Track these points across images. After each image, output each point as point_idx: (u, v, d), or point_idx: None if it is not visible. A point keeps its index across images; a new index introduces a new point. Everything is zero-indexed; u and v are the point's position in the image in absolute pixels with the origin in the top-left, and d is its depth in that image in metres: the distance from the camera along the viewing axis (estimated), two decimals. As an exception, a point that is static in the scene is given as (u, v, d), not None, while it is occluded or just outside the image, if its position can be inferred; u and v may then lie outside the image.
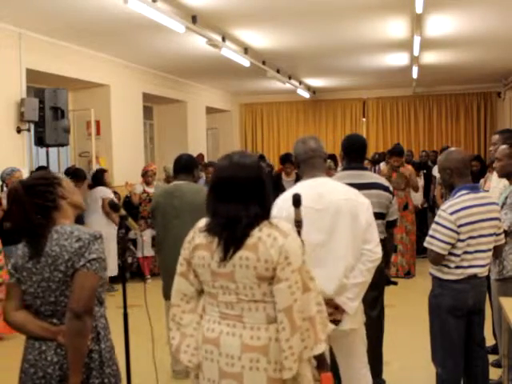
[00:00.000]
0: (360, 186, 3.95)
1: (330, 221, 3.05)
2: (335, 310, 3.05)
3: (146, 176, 8.48)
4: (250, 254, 2.15)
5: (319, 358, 2.27)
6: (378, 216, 3.98)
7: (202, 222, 2.32)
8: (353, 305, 3.08)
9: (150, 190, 8.35)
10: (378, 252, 3.11)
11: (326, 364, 2.33)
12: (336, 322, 3.01)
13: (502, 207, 3.92)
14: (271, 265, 2.14)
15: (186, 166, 4.63)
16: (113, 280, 7.35)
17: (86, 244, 2.31)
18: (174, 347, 2.35)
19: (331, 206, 3.07)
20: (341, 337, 3.13)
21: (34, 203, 2.34)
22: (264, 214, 2.23)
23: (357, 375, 3.30)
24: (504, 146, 4.14)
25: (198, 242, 2.27)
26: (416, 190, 8.25)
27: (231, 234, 2.18)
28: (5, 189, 6.26)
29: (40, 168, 7.77)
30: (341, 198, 3.10)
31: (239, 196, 2.21)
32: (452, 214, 3.33)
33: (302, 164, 3.24)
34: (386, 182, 4.17)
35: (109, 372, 2.42)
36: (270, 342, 2.17)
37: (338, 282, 3.04)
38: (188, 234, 2.34)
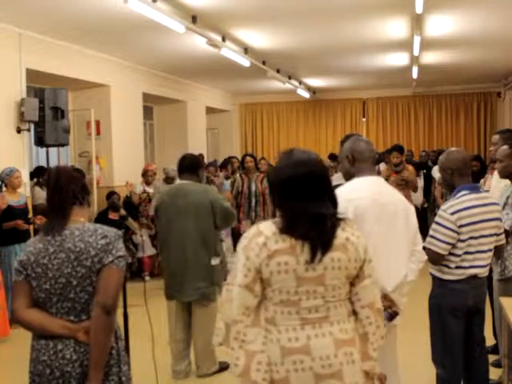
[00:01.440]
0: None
1: (389, 217, 3.08)
2: (392, 304, 3.09)
3: (146, 176, 8.49)
4: (341, 255, 2.13)
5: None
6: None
7: (267, 226, 2.16)
8: (403, 301, 3.19)
9: (150, 189, 8.37)
10: (425, 254, 3.24)
11: None
12: (395, 314, 3.06)
13: (503, 207, 3.92)
14: (359, 263, 2.17)
15: (190, 165, 4.63)
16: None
17: (113, 241, 2.35)
18: (241, 368, 2.14)
19: (391, 204, 3.09)
20: (388, 332, 3.16)
21: (75, 185, 2.44)
22: (337, 212, 2.21)
23: (395, 370, 3.33)
24: (504, 147, 4.13)
25: (276, 247, 2.09)
26: (415, 190, 8.25)
27: (320, 235, 2.10)
28: (4, 189, 6.26)
29: (38, 168, 7.76)
30: (397, 198, 3.17)
31: (315, 193, 2.14)
32: (453, 214, 3.33)
33: (361, 162, 3.18)
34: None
35: (125, 370, 2.43)
36: (354, 333, 2.20)
37: (399, 280, 3.09)
38: (249, 239, 2.15)
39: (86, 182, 2.57)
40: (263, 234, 2.12)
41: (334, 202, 2.20)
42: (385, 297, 2.83)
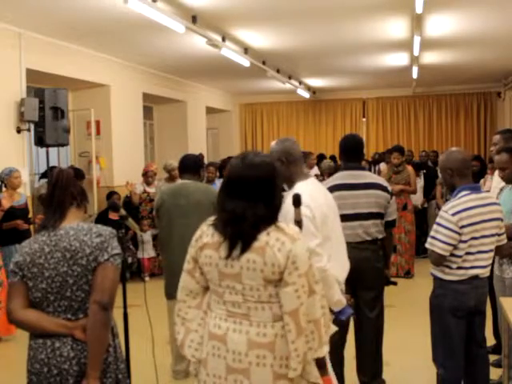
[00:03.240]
0: (358, 186, 3.97)
1: (336, 216, 3.21)
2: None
3: (147, 176, 8.49)
4: (257, 258, 2.17)
5: (320, 361, 2.28)
6: (377, 216, 4.00)
7: (210, 220, 2.33)
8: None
9: (151, 189, 8.36)
10: None
11: (326, 367, 2.35)
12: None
13: None
14: (278, 269, 2.16)
15: (191, 165, 4.64)
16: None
17: (107, 239, 2.37)
18: (179, 341, 2.39)
19: (333, 204, 3.25)
20: None
21: (75, 187, 2.51)
22: (271, 216, 2.23)
23: None
24: (502, 155, 4.10)
25: (205, 240, 2.28)
26: (414, 193, 8.26)
27: (236, 231, 2.19)
28: (4, 189, 6.26)
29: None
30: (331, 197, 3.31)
31: (247, 194, 2.23)
32: (454, 214, 3.33)
33: (294, 165, 3.20)
34: (384, 182, 4.17)
35: (122, 367, 2.46)
36: (276, 339, 2.21)
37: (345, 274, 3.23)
38: (195, 233, 2.36)
39: (85, 189, 2.62)
40: (203, 228, 2.34)
41: (272, 206, 2.24)
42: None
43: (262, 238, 2.18)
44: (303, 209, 2.79)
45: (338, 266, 3.11)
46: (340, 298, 3.05)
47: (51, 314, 2.35)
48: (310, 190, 3.07)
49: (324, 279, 3.19)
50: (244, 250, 2.18)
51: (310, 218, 2.92)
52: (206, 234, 2.29)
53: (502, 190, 4.32)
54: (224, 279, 2.24)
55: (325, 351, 2.26)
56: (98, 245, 2.34)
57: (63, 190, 2.46)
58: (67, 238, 2.36)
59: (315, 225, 2.95)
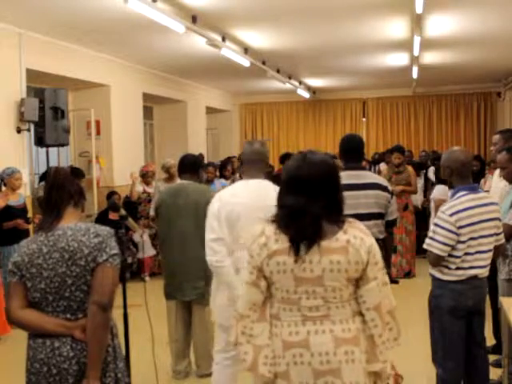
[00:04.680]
0: (359, 187, 3.96)
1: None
2: None
3: (146, 177, 8.50)
4: (341, 258, 2.14)
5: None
6: (377, 216, 3.99)
7: (268, 225, 2.23)
8: None
9: (150, 189, 8.37)
10: None
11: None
12: None
13: (511, 206, 3.90)
14: (362, 266, 2.16)
15: (191, 166, 4.65)
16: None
17: (106, 239, 2.37)
18: (249, 363, 2.23)
19: (265, 206, 3.18)
20: None
21: (73, 186, 2.50)
22: (337, 212, 2.21)
23: None
24: (503, 154, 4.09)
25: (276, 247, 2.17)
26: (414, 193, 8.26)
27: (298, 229, 2.15)
28: (4, 188, 6.26)
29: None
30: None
31: (308, 191, 2.19)
32: (452, 215, 3.32)
33: (246, 164, 3.43)
34: (384, 182, 4.17)
35: (121, 366, 2.46)
36: (358, 333, 2.19)
37: None
38: (252, 240, 2.24)
39: (83, 187, 2.61)
40: (264, 234, 2.20)
41: (334, 201, 2.22)
42: None
43: (342, 237, 2.16)
44: (212, 203, 3.18)
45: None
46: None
47: (50, 314, 2.35)
48: (237, 188, 3.31)
49: (218, 274, 3.31)
50: (310, 246, 2.13)
51: (214, 213, 3.19)
52: (275, 241, 2.17)
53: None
54: (301, 285, 2.16)
55: (400, 341, 2.27)
56: (96, 245, 2.34)
57: (60, 190, 2.46)
58: (65, 238, 2.36)
59: (219, 220, 3.18)
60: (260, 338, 2.22)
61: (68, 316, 2.35)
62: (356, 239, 2.16)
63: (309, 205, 2.16)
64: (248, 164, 3.38)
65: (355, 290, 2.20)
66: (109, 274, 2.33)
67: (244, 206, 3.21)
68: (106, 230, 2.41)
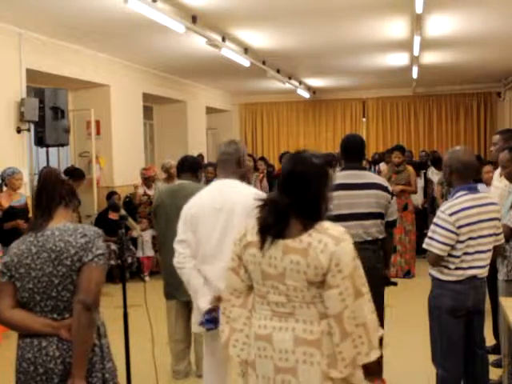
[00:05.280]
0: (359, 186, 3.97)
1: (224, 222, 3.19)
2: None
3: (148, 181, 8.53)
4: (300, 259, 2.14)
5: (371, 365, 2.23)
6: (377, 216, 4.00)
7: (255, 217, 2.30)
8: None
9: (151, 192, 8.41)
10: None
11: (380, 370, 2.33)
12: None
13: (511, 207, 3.90)
14: (321, 271, 2.12)
15: (190, 166, 4.66)
16: (112, 280, 7.36)
17: (92, 239, 2.38)
18: (223, 341, 2.36)
19: (226, 206, 3.19)
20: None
21: (62, 187, 2.51)
22: (311, 216, 2.18)
23: None
24: (505, 153, 4.09)
25: (249, 239, 2.25)
26: (414, 193, 8.26)
27: (266, 220, 2.19)
28: (4, 188, 6.26)
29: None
30: (238, 198, 3.19)
31: (285, 188, 2.22)
32: (451, 215, 3.32)
33: (218, 165, 3.44)
34: (384, 182, 4.17)
35: (109, 367, 2.46)
36: (322, 336, 2.17)
37: None
38: (239, 231, 2.34)
39: (74, 187, 2.63)
40: (247, 226, 2.31)
41: (303, 201, 2.18)
42: (218, 298, 2.85)
43: (305, 239, 2.15)
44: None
45: (213, 271, 3.15)
46: (199, 304, 3.16)
47: (38, 314, 2.38)
48: (204, 190, 3.34)
49: (180, 275, 3.32)
50: (275, 237, 2.16)
51: (182, 215, 3.24)
52: (251, 233, 2.26)
53: None
54: (267, 279, 2.22)
55: (374, 356, 2.18)
56: (82, 245, 2.35)
57: (51, 191, 2.47)
58: (53, 238, 2.37)
59: (184, 223, 3.22)
60: (236, 321, 2.33)
61: (55, 316, 2.37)
62: (320, 244, 2.13)
63: (279, 200, 2.21)
64: (219, 165, 3.38)
65: (321, 293, 2.16)
66: (94, 274, 2.33)
67: (201, 207, 3.22)
68: (92, 230, 2.42)
